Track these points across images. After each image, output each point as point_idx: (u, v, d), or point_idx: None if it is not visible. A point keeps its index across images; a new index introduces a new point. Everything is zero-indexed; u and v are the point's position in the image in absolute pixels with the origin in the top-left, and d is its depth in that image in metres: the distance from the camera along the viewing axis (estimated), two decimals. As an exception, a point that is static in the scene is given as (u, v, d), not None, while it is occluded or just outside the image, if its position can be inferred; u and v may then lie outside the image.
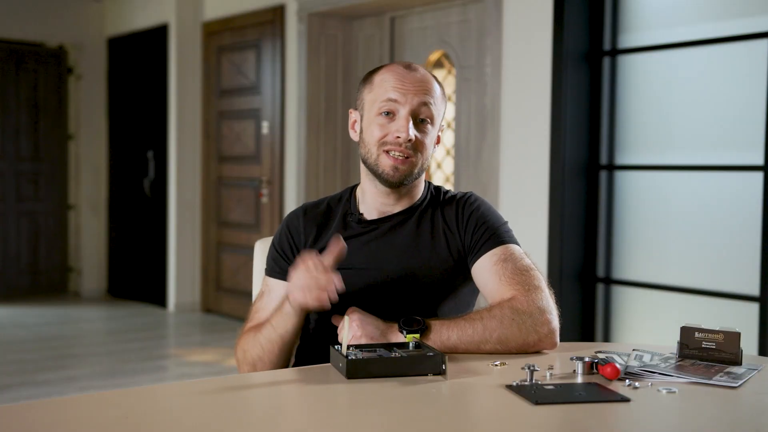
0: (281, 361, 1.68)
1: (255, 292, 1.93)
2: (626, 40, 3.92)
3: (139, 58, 6.72)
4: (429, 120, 1.71)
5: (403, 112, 1.69)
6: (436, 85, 1.74)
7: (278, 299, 1.76)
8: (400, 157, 1.69)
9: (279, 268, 1.78)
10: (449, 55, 4.75)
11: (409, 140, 1.68)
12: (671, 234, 3.78)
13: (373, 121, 1.71)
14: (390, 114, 1.70)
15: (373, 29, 5.19)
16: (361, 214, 1.78)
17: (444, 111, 1.78)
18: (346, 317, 1.50)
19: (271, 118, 5.65)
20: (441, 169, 4.86)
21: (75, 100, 7.02)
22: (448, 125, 4.79)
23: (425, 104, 1.70)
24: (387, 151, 1.69)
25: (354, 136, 1.79)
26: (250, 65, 5.84)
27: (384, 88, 1.71)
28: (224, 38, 6.05)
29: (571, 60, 3.89)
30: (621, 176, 3.95)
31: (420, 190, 1.79)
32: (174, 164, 6.27)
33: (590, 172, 3.98)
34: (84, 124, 7.03)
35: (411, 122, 1.68)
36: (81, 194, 7.10)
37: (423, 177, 1.78)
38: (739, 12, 3.57)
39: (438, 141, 1.79)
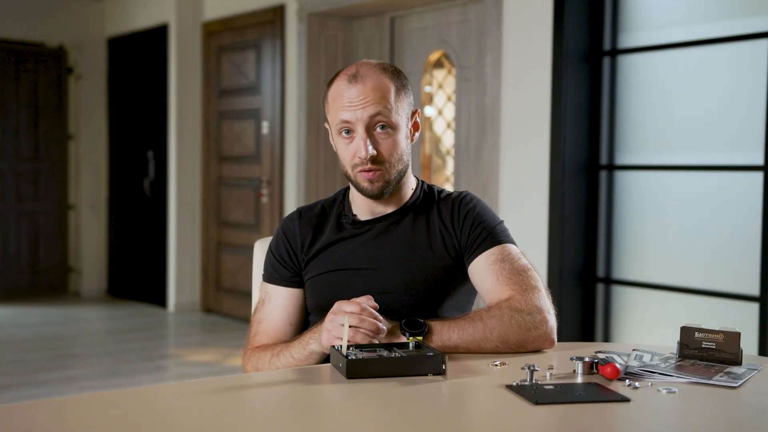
0: None
1: (254, 292, 1.93)
2: (626, 40, 3.92)
3: (139, 58, 6.72)
4: (388, 126, 1.68)
5: (359, 129, 1.67)
6: (388, 85, 1.69)
7: (279, 307, 1.77)
8: (370, 172, 1.68)
9: (278, 274, 1.78)
10: (449, 55, 4.75)
11: (371, 156, 1.67)
12: (671, 234, 3.78)
13: (338, 141, 1.72)
14: (349, 132, 1.69)
15: (373, 29, 5.19)
16: (355, 216, 1.78)
17: (409, 101, 1.74)
18: (346, 318, 1.50)
19: (271, 118, 5.65)
20: (441, 169, 4.86)
21: (75, 100, 7.02)
22: (448, 125, 4.79)
23: (378, 113, 1.67)
24: (360, 171, 1.69)
25: (335, 148, 1.78)
26: (250, 65, 5.84)
27: (335, 108, 1.70)
28: (224, 38, 6.05)
29: (571, 60, 3.89)
30: (621, 176, 3.95)
31: (409, 188, 1.78)
32: (174, 164, 6.27)
33: (590, 172, 3.98)
34: (84, 124, 7.03)
35: (367, 139, 1.67)
36: (81, 194, 7.10)
37: (408, 176, 1.77)
38: (739, 12, 3.57)
39: (416, 128, 1.77)
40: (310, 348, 1.61)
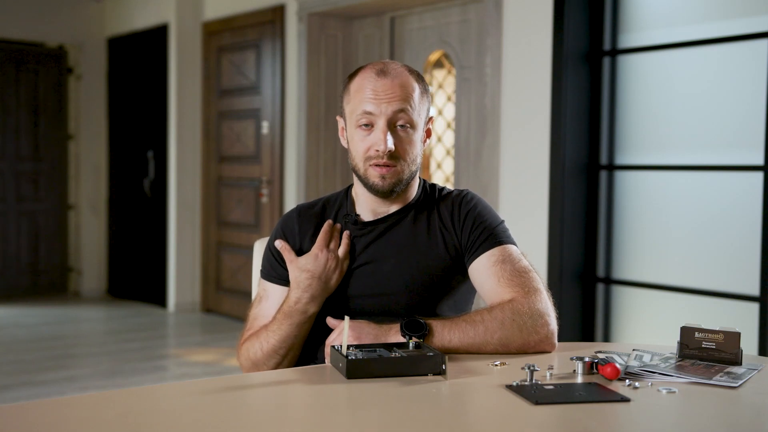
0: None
1: (254, 292, 1.93)
2: (626, 40, 3.92)
3: (139, 58, 6.72)
4: (408, 124, 1.68)
5: (380, 123, 1.66)
6: (414, 85, 1.70)
7: (275, 305, 1.76)
8: (384, 168, 1.67)
9: (275, 272, 1.78)
10: (449, 55, 4.75)
11: (389, 151, 1.66)
12: (671, 234, 3.78)
13: (355, 133, 1.70)
14: (369, 125, 1.68)
15: (373, 29, 5.19)
16: (358, 216, 1.77)
17: (428, 106, 1.74)
18: (345, 318, 1.50)
19: (271, 118, 5.65)
20: (441, 169, 4.86)
21: (75, 100, 7.02)
22: (448, 125, 4.79)
23: (402, 110, 1.67)
24: (372, 165, 1.68)
25: (344, 142, 1.78)
26: (250, 65, 5.84)
27: (359, 99, 1.68)
28: (224, 38, 6.05)
29: (571, 60, 3.89)
30: (621, 176, 3.95)
31: (414, 189, 1.78)
32: (174, 164, 6.27)
33: (590, 172, 3.98)
34: (84, 124, 7.03)
35: (388, 133, 1.66)
36: (81, 194, 7.10)
37: (416, 178, 1.77)
38: (740, 12, 3.57)
39: (429, 134, 1.77)
40: (294, 319, 1.69)
